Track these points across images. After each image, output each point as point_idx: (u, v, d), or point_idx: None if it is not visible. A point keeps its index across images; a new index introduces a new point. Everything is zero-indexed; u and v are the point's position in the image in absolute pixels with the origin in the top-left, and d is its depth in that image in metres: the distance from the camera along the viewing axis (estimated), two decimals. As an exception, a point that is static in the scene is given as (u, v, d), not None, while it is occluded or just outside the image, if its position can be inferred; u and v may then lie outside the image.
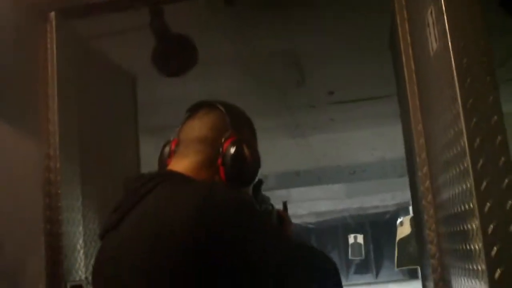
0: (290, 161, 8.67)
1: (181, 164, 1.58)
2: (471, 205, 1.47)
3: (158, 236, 1.37)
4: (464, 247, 1.64)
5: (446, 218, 1.97)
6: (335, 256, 24.71)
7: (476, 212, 1.42)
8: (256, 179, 1.79)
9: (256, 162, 1.63)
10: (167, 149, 1.69)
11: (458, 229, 1.70)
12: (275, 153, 7.66)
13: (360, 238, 20.15)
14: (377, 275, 24.31)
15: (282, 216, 1.98)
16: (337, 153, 8.32)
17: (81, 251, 2.37)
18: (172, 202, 1.40)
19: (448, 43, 1.54)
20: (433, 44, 1.79)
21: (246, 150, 1.59)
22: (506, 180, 1.41)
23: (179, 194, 1.42)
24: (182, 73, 2.85)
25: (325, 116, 5.79)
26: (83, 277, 2.38)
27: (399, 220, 8.05)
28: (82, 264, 2.38)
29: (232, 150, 1.58)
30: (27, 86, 2.28)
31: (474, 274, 1.52)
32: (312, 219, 17.90)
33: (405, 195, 13.97)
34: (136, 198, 1.50)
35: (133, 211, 1.48)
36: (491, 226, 1.40)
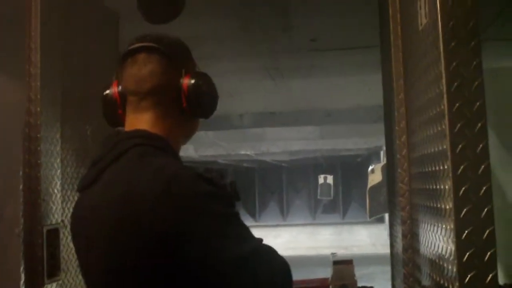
0: (267, 102, 8.66)
1: (143, 119, 1.59)
2: (444, 147, 1.53)
3: (122, 217, 1.41)
4: (434, 186, 1.70)
5: (419, 159, 2.03)
6: (304, 196, 25.20)
7: (448, 153, 1.47)
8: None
9: (215, 91, 1.66)
10: (110, 92, 1.66)
11: (430, 169, 1.76)
12: (253, 94, 7.65)
13: (330, 179, 20.45)
14: (344, 216, 24.86)
15: None
16: (314, 97, 8.34)
17: (58, 195, 2.38)
18: (136, 182, 1.42)
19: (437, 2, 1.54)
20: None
21: (204, 84, 1.62)
22: (479, 124, 1.45)
23: (143, 174, 1.43)
24: (166, 22, 2.79)
25: (306, 62, 5.77)
26: (59, 220, 2.40)
27: (370, 168, 8.14)
28: (59, 207, 2.39)
29: (194, 90, 1.59)
30: (8, 27, 2.22)
31: (442, 213, 1.59)
32: (285, 158, 18.04)
33: (377, 141, 14.14)
34: (107, 161, 1.53)
35: (104, 175, 1.51)
36: (461, 167, 1.45)
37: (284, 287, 1.50)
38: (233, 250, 1.40)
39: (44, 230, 2.24)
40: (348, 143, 15.21)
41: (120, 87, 1.64)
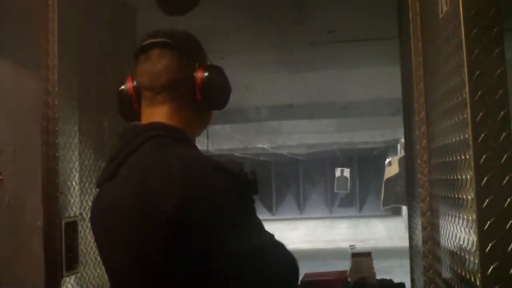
0: (284, 94, 8.65)
1: (159, 113, 1.61)
2: (466, 136, 1.50)
3: (140, 206, 1.44)
4: (454, 176, 1.68)
5: (439, 149, 2.01)
6: (321, 189, 25.15)
7: (470, 143, 1.44)
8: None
9: (227, 83, 1.68)
10: (125, 88, 1.68)
11: (450, 159, 1.73)
12: (270, 86, 7.65)
13: (347, 172, 20.36)
14: (360, 209, 24.79)
15: None
16: (331, 90, 8.31)
17: (77, 188, 2.38)
18: (153, 172, 1.46)
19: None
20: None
21: (217, 77, 1.64)
22: (502, 113, 1.43)
23: (160, 164, 1.46)
24: (183, 13, 2.79)
25: (324, 54, 5.76)
26: (77, 213, 2.40)
27: (387, 160, 8.06)
28: (77, 200, 2.40)
29: (207, 83, 1.61)
30: (26, 19, 2.22)
31: (463, 203, 1.57)
32: (302, 151, 18.02)
33: (394, 134, 14.07)
34: (125, 155, 1.55)
35: (122, 168, 1.54)
36: (484, 156, 1.42)
37: (287, 286, 1.49)
38: (241, 244, 1.40)
39: (63, 223, 2.25)
40: (365, 136, 15.17)
41: (134, 83, 1.66)
